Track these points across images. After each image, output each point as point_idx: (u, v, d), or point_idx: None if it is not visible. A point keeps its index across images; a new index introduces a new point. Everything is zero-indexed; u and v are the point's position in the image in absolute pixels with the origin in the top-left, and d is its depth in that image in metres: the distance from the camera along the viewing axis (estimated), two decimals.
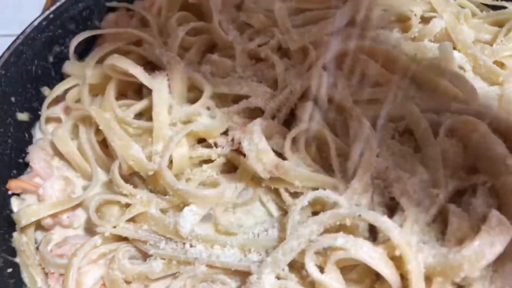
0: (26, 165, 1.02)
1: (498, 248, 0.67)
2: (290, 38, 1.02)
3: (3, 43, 1.04)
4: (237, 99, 0.98)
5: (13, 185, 0.97)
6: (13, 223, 0.92)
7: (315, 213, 0.81)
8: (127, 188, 0.87)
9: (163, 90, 0.94)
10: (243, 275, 0.79)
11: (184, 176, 0.91)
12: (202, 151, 0.92)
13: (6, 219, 0.93)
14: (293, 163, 0.84)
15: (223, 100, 1.00)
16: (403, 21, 1.11)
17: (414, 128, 0.88)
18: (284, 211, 0.87)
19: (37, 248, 0.91)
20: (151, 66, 1.05)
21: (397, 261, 0.70)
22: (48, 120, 1.09)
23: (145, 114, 1.00)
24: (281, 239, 0.79)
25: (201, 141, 0.96)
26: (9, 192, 0.97)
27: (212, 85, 0.99)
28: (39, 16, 1.09)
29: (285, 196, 0.85)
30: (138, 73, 0.96)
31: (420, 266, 0.68)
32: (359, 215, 0.71)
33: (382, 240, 0.73)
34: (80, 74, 1.07)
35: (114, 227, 0.85)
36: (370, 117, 0.91)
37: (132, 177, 0.93)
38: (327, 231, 0.74)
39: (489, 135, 0.81)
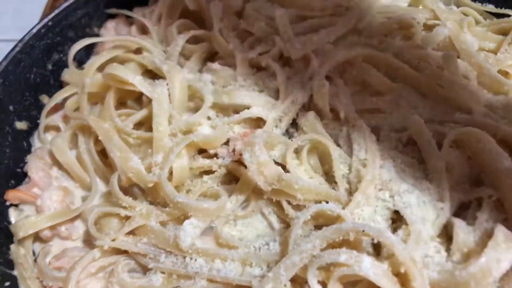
0: (25, 174, 1.01)
1: (505, 264, 0.66)
2: (292, 46, 1.01)
3: (2, 48, 1.04)
4: (238, 108, 0.97)
5: (11, 195, 0.95)
6: (10, 234, 0.91)
7: (317, 227, 0.80)
8: (127, 200, 0.86)
9: (163, 100, 0.93)
10: None
11: (185, 187, 0.90)
12: (203, 162, 0.91)
13: (4, 230, 0.92)
14: (295, 175, 0.83)
15: (224, 109, 0.99)
16: (405, 29, 1.10)
17: (418, 139, 0.87)
18: (286, 224, 0.85)
19: (35, 260, 0.90)
20: (151, 75, 1.04)
21: (402, 278, 0.69)
22: (47, 128, 1.08)
23: (145, 124, 0.99)
24: (283, 253, 0.77)
25: (202, 151, 0.94)
26: (7, 203, 0.96)
27: (213, 95, 0.98)
28: (38, 23, 1.07)
29: (288, 208, 0.83)
30: (138, 82, 0.95)
31: (426, 283, 0.67)
32: (363, 231, 0.70)
33: (386, 255, 0.72)
34: (79, 82, 1.05)
35: (113, 240, 0.84)
36: (373, 127, 0.90)
37: (132, 188, 0.91)
38: (330, 245, 0.73)
39: (494, 146, 0.80)
